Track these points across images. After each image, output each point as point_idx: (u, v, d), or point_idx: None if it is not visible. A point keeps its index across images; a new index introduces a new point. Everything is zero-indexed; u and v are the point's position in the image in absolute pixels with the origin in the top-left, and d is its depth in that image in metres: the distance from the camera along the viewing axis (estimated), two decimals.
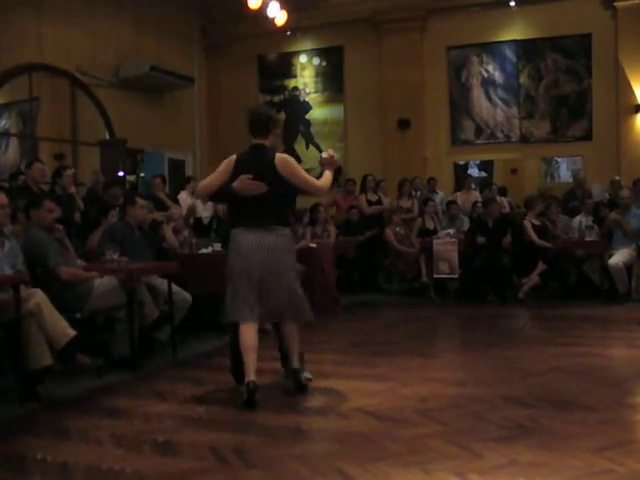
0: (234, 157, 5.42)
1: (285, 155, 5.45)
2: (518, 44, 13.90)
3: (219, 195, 5.51)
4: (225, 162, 5.40)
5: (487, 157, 14.34)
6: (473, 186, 12.95)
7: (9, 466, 3.94)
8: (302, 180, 5.32)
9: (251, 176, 5.12)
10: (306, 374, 5.43)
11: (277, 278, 5.23)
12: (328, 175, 5.48)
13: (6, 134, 11.81)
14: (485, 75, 14.22)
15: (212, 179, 5.38)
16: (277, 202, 5.27)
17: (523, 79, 13.94)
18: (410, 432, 4.27)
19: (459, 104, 14.37)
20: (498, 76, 14.12)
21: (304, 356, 5.60)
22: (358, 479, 3.53)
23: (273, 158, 5.27)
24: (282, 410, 4.92)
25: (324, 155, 5.67)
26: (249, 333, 5.21)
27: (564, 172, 13.93)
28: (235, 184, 5.18)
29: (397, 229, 11.25)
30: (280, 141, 15.38)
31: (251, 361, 5.08)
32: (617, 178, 11.89)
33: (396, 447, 4.01)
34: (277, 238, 5.22)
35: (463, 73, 14.33)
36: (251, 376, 4.99)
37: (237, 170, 5.27)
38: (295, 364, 5.41)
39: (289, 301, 5.33)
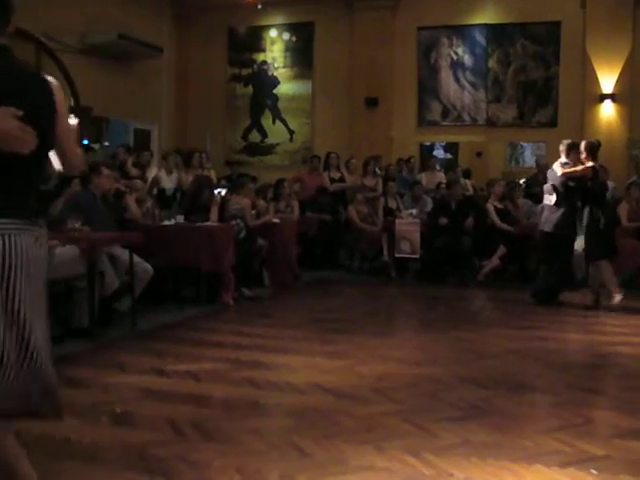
0: None
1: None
2: (489, 28, 13.93)
3: None
4: None
5: (453, 139, 14.38)
6: (438, 167, 13.01)
7: None
8: (68, 134, 2.92)
9: (20, 113, 2.50)
10: None
11: (17, 329, 2.57)
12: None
13: None
14: (454, 57, 14.24)
15: None
16: (35, 169, 2.67)
17: (492, 63, 13.99)
18: (366, 410, 4.33)
19: (427, 85, 14.39)
20: (467, 59, 14.16)
21: None
22: (313, 454, 3.58)
23: (45, 81, 2.92)
24: (240, 384, 4.94)
25: None
26: None
27: (528, 157, 14.03)
28: None
29: (360, 207, 11.29)
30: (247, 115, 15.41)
31: None
32: None
33: (351, 424, 4.06)
34: (25, 244, 2.55)
35: (432, 54, 14.34)
36: None
37: None
38: None
39: (33, 376, 2.72)
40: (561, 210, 8.09)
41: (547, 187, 8.35)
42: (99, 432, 3.95)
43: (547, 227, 8.23)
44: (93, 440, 3.79)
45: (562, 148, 8.31)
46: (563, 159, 8.25)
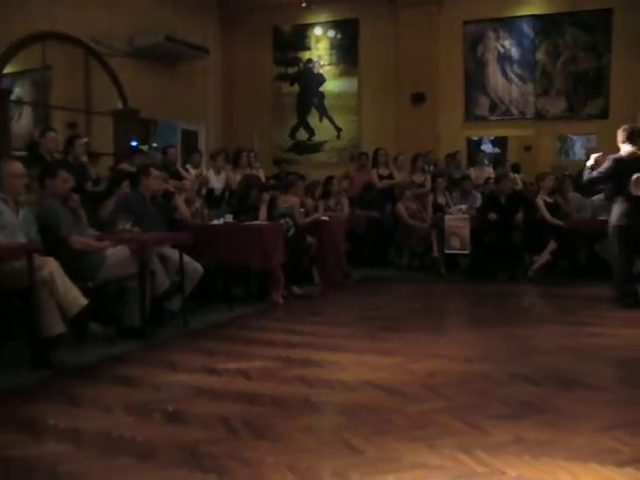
0: None
1: None
2: (536, 19, 13.76)
3: None
4: None
5: (501, 133, 14.25)
6: (486, 162, 12.92)
7: (23, 430, 4.00)
8: None
9: None
10: None
11: None
12: None
13: (20, 102, 11.82)
14: (501, 50, 14.11)
15: None
16: None
17: (540, 55, 13.82)
18: (417, 407, 4.31)
19: (474, 79, 14.28)
20: (514, 52, 14.00)
21: None
22: (364, 452, 3.57)
23: None
24: (291, 382, 4.95)
25: None
26: None
27: (579, 150, 13.84)
28: None
29: (409, 204, 11.25)
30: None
31: None
32: None
33: (403, 421, 4.05)
34: None
35: (479, 48, 14.22)
36: None
37: None
38: None
39: None
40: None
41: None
42: (152, 430, 3.99)
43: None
44: (146, 438, 3.82)
45: (623, 134, 7.91)
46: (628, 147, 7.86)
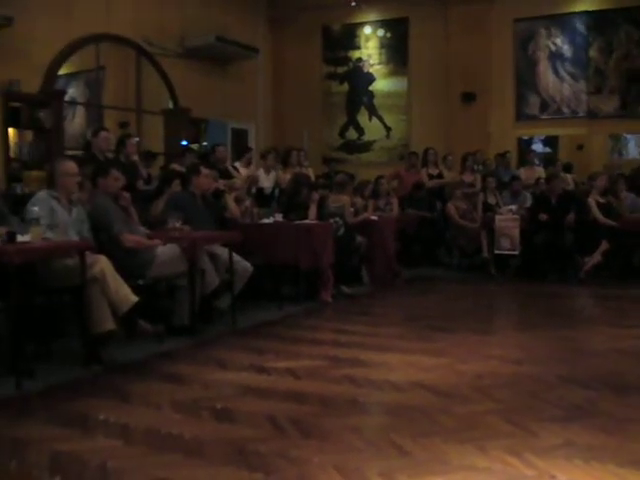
0: None
1: None
2: (589, 15, 13.52)
3: None
4: None
5: (552, 132, 14.07)
6: (537, 162, 12.79)
7: (74, 425, 4.07)
8: None
9: None
10: None
11: None
12: None
13: (73, 103, 12.00)
14: (553, 48, 13.92)
15: None
16: None
17: (593, 52, 13.60)
18: (466, 408, 4.28)
19: (525, 78, 14.12)
20: (566, 49, 13.80)
21: None
22: (412, 453, 3.56)
23: None
24: (339, 381, 4.95)
25: None
26: None
27: (632, 149, 13.62)
28: None
29: (459, 204, 11.18)
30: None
31: None
32: None
33: (451, 422, 4.03)
34: None
35: (530, 46, 14.05)
36: None
37: None
38: None
39: None
40: None
41: None
42: (200, 427, 4.02)
43: None
44: (194, 435, 3.86)
45: None
46: None
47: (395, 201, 10.95)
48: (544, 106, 14.01)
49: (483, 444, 3.64)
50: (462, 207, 11.15)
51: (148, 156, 10.09)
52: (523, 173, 12.27)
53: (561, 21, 13.82)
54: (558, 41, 13.85)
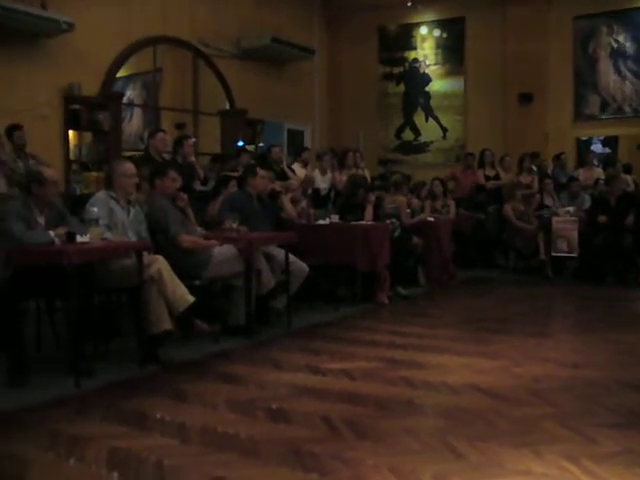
0: None
1: None
2: None
3: None
4: None
5: (612, 132, 13.80)
6: (596, 163, 12.57)
7: (131, 422, 4.14)
8: None
9: None
10: None
11: None
12: None
13: (131, 104, 12.17)
14: (614, 46, 13.65)
15: None
16: None
17: None
18: (522, 412, 4.24)
19: (584, 77, 13.88)
20: (629, 47, 13.48)
21: None
22: (468, 456, 3.54)
23: None
24: (395, 383, 4.95)
25: None
26: None
27: None
28: None
29: (517, 205, 11.06)
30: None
31: None
32: None
33: (507, 426, 3.99)
34: None
35: (590, 44, 13.80)
36: None
37: None
38: None
39: None
40: None
41: None
42: (255, 427, 4.04)
43: None
44: (249, 435, 3.88)
45: None
46: None
47: (452, 203, 10.87)
48: (604, 105, 13.77)
49: (539, 449, 3.59)
50: (519, 208, 11.02)
51: (216, 160, 10.12)
52: (582, 174, 12.09)
53: (623, 17, 13.53)
54: (620, 38, 13.57)
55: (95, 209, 5.48)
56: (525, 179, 11.68)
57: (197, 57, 12.25)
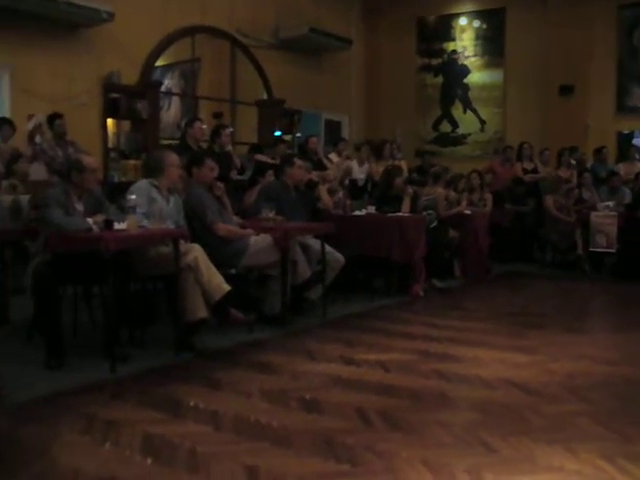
0: None
1: None
2: None
3: None
4: None
5: None
6: (637, 157, 12.40)
7: (165, 409, 4.17)
8: None
9: None
10: None
11: None
12: None
13: (169, 93, 12.24)
14: None
15: None
16: None
17: None
18: (556, 408, 4.21)
19: (628, 68, 13.63)
20: None
21: None
22: (500, 451, 3.52)
23: None
24: (428, 376, 4.93)
25: None
26: None
27: None
28: None
29: (558, 198, 10.88)
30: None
31: None
32: None
33: (541, 422, 3.96)
34: None
35: (635, 34, 13.53)
36: None
37: None
38: None
39: None
40: None
41: None
42: (288, 417, 4.05)
43: None
44: (282, 424, 3.89)
45: None
46: None
47: (489, 197, 10.77)
48: None
49: (573, 446, 3.56)
50: (560, 201, 10.88)
51: (255, 150, 10.14)
52: (622, 168, 11.94)
53: None
54: None
55: (134, 197, 5.50)
56: (564, 173, 11.57)
57: (235, 47, 12.28)
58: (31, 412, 4.14)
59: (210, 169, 6.44)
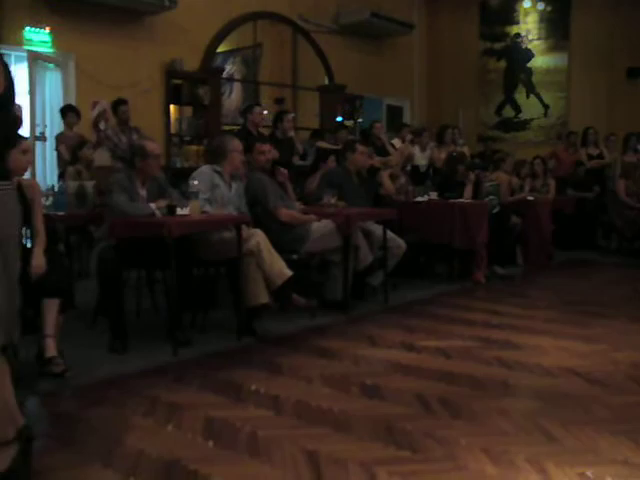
0: None
1: None
2: None
3: None
4: None
5: None
6: None
7: (226, 393, 4.22)
8: None
9: None
10: None
11: None
12: None
13: (231, 79, 12.32)
14: None
15: None
16: None
17: None
18: (620, 399, 4.14)
19: None
20: None
21: None
22: (561, 440, 3.48)
23: None
24: (489, 363, 4.90)
25: None
26: None
27: None
28: None
29: (630, 183, 10.63)
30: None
31: None
32: None
33: (604, 412, 3.90)
34: None
35: None
36: None
37: None
38: None
39: None
40: None
41: None
42: (349, 402, 4.07)
43: None
44: (343, 409, 3.91)
45: None
46: None
47: (552, 183, 10.61)
48: None
49: (638, 438, 3.50)
50: (632, 188, 10.65)
51: (316, 135, 10.16)
52: None
53: None
54: None
55: (196, 182, 5.56)
56: (629, 158, 11.33)
57: (296, 32, 12.30)
58: (95, 394, 4.23)
59: (260, 152, 6.44)
